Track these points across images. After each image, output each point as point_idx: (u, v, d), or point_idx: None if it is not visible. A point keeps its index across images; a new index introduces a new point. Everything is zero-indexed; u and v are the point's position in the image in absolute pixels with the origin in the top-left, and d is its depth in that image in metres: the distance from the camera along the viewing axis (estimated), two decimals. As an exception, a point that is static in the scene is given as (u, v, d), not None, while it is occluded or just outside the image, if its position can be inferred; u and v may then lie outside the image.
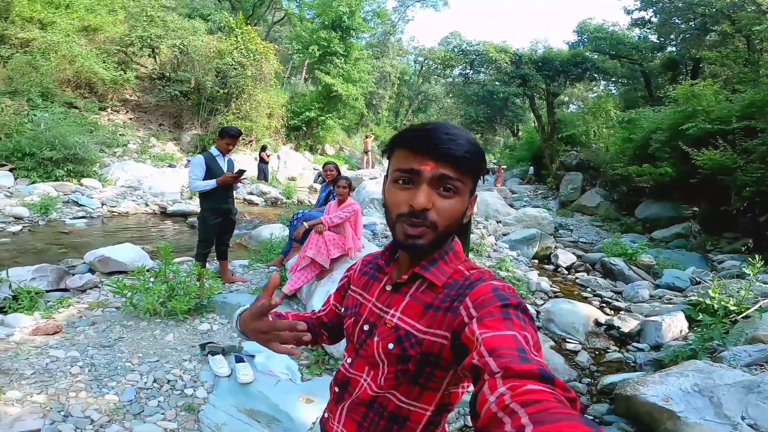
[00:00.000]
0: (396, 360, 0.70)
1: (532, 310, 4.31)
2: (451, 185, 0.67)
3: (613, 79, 17.34)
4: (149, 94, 12.58)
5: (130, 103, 12.53)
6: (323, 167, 4.71)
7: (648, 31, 15.43)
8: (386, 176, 0.75)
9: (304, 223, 3.62)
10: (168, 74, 12.49)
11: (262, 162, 11.39)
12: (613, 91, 18.97)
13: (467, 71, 19.76)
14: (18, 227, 5.48)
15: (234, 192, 3.84)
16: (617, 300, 5.14)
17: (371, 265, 0.87)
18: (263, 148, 11.62)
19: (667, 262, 6.29)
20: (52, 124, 7.99)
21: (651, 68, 14.98)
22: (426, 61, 31.97)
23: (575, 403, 0.46)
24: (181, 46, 12.06)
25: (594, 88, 21.08)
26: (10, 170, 7.31)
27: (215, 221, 3.65)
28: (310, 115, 15.41)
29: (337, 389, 0.82)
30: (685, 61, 14.07)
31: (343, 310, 0.88)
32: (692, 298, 4.35)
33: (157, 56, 12.85)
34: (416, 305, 0.72)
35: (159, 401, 2.29)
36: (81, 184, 7.66)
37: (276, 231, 5.62)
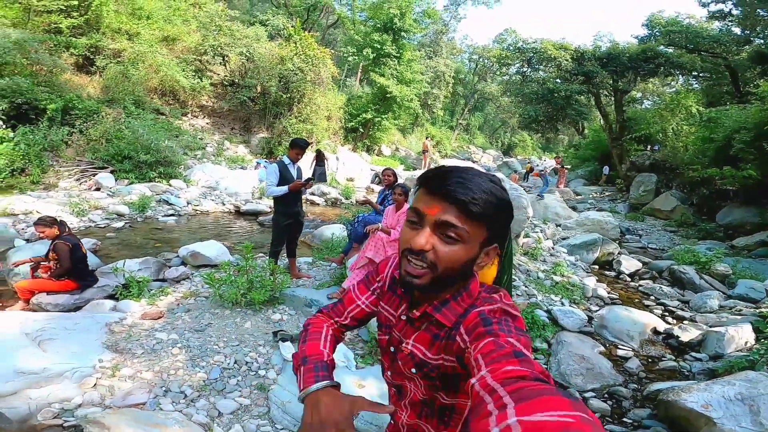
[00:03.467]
0: (423, 377, 0.81)
1: (583, 315, 4.28)
2: (454, 233, 0.68)
3: (693, 74, 15.72)
4: (222, 100, 13.69)
5: (206, 109, 13.76)
6: (382, 172, 5.00)
7: (730, 23, 13.98)
8: None
9: (368, 227, 3.90)
10: (237, 81, 13.51)
11: (318, 165, 11.80)
12: (695, 86, 17.22)
13: (524, 69, 19.02)
14: (120, 223, 6.32)
15: (302, 196, 4.22)
16: (682, 309, 4.93)
17: (396, 286, 0.91)
18: (318, 156, 11.86)
19: (746, 272, 5.82)
20: (145, 130, 8.94)
21: (737, 62, 13.43)
22: (480, 59, 31.27)
23: (550, 380, 0.51)
24: (247, 54, 12.96)
25: (672, 83, 19.31)
26: (111, 172, 8.36)
27: (286, 223, 4.05)
28: (366, 117, 15.77)
29: (394, 389, 0.93)
30: (776, 56, 12.59)
31: (377, 325, 0.95)
32: (765, 309, 4.07)
33: (227, 64, 13.92)
34: (426, 335, 0.80)
35: (238, 380, 2.65)
36: (170, 185, 8.57)
37: (337, 231, 6.02)
